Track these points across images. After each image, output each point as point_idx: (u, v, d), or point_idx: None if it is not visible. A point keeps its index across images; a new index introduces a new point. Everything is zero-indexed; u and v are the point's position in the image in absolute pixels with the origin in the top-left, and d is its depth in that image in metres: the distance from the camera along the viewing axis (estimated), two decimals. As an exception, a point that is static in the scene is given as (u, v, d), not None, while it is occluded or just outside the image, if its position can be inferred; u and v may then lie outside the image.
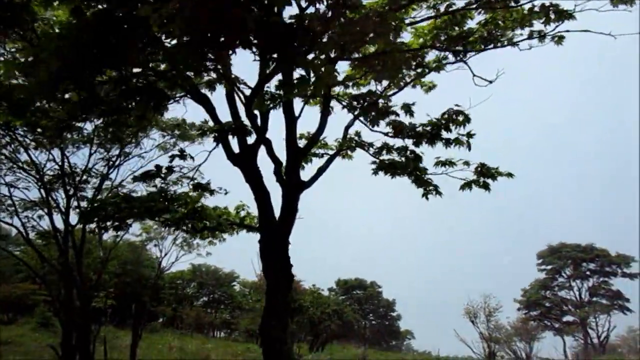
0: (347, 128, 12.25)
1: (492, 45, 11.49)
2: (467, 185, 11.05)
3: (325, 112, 10.98)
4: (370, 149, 11.54)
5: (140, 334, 33.03)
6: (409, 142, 10.99)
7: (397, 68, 9.95)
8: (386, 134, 10.66)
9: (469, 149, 9.84)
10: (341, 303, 74.04)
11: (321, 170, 11.54)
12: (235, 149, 11.07)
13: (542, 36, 9.87)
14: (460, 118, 9.79)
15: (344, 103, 11.24)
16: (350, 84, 11.44)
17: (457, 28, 11.29)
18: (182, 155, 10.60)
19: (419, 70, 10.71)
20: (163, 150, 28.53)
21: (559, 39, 9.99)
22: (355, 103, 10.59)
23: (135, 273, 46.86)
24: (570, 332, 64.00)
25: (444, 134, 10.26)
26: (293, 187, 10.90)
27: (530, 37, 10.85)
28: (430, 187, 10.94)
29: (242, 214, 13.10)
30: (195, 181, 11.70)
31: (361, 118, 11.15)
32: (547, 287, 69.09)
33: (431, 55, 11.33)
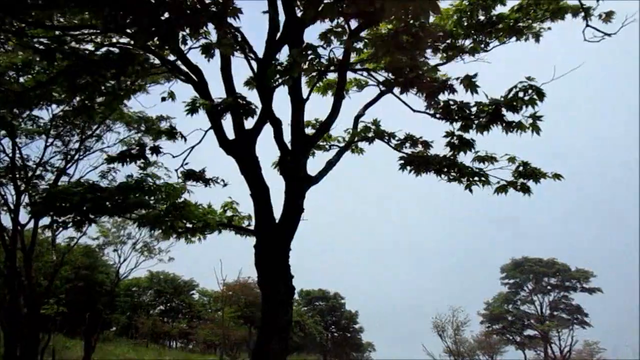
0: (357, 117, 10.63)
1: (514, 38, 10.15)
2: (502, 188, 9.54)
3: (340, 95, 9.31)
4: (392, 140, 9.89)
5: (94, 345, 30.55)
6: (445, 126, 9.44)
7: (422, 47, 8.47)
8: (433, 115, 8.96)
9: (537, 133, 8.10)
10: (303, 314, 72.43)
11: (331, 164, 9.87)
12: (229, 134, 9.32)
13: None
14: (528, 95, 7.94)
15: (377, 78, 9.46)
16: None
17: (483, 13, 9.93)
18: (171, 132, 8.58)
19: (450, 52, 9.19)
20: (127, 146, 26.55)
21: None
22: (391, 76, 8.82)
23: (89, 279, 43.86)
24: (531, 346, 64.57)
25: (507, 116, 8.38)
26: (300, 181, 9.16)
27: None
28: (476, 178, 9.28)
29: (229, 213, 11.21)
30: (186, 167, 9.71)
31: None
32: (510, 300, 69.52)
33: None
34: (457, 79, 8.15)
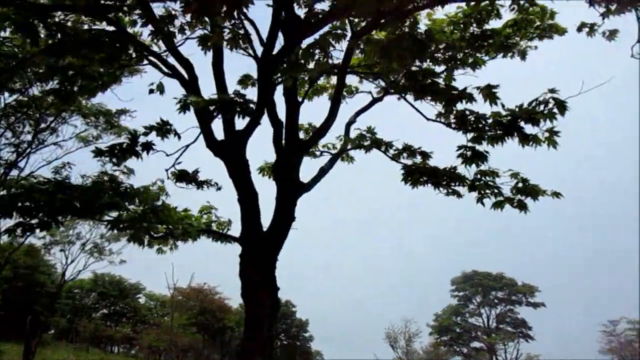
0: (348, 124, 10.21)
1: (502, 54, 10.03)
2: (499, 204, 9.21)
3: (338, 98, 8.84)
4: (390, 150, 9.47)
5: (34, 350, 28.81)
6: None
7: (425, 55, 8.15)
8: (448, 125, 8.55)
9: (554, 147, 7.79)
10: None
11: (324, 171, 9.39)
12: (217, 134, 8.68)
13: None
14: (549, 108, 7.55)
15: (382, 82, 8.98)
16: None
17: (475, 27, 9.74)
18: (163, 127, 7.82)
19: (450, 64, 8.89)
20: (83, 142, 25.19)
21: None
22: (404, 81, 8.36)
23: (29, 279, 41.45)
24: (478, 358, 65.75)
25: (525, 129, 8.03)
26: (292, 188, 8.61)
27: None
28: (488, 191, 8.92)
29: (206, 218, 10.49)
30: (178, 166, 8.87)
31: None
32: (459, 313, 70.68)
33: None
34: (478, 88, 7.79)
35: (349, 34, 8.10)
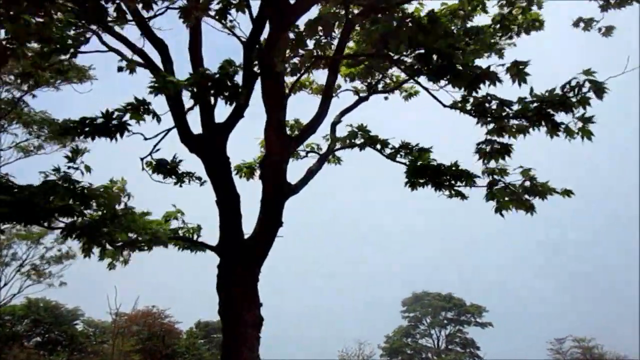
0: (334, 124, 9.41)
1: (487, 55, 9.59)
2: (503, 206, 8.32)
3: (329, 91, 8.00)
4: (386, 149, 8.66)
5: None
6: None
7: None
8: (468, 112, 7.69)
9: (589, 139, 7.01)
10: (200, 347, 68.24)
11: (312, 172, 8.50)
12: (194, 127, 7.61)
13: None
14: (583, 92, 6.67)
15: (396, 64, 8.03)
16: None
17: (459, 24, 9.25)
18: (138, 107, 6.54)
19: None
20: (23, 152, 23.31)
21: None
22: (413, 63, 7.44)
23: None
24: (428, 379, 65.85)
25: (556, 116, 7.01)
26: (280, 190, 7.64)
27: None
28: (507, 197, 8.10)
29: (175, 224, 9.26)
30: (155, 154, 7.62)
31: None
32: (409, 334, 70.83)
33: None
34: (502, 65, 6.98)
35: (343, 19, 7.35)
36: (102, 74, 22.71)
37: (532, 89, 6.96)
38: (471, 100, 7.46)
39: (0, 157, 22.25)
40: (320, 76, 10.21)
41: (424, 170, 8.28)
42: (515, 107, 7.26)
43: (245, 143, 9.80)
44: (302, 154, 9.78)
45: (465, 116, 7.65)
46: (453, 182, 8.33)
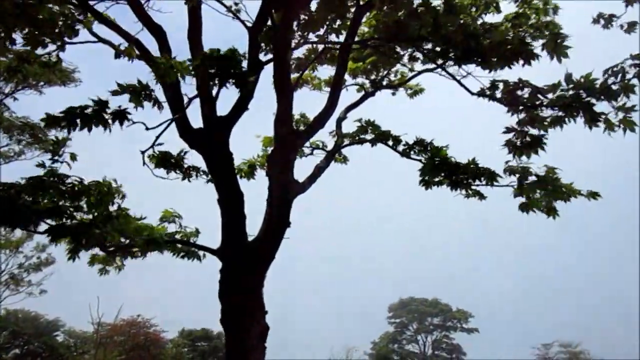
0: (339, 120, 8.92)
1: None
2: (525, 206, 7.89)
3: (338, 82, 7.50)
4: (399, 145, 8.15)
5: None
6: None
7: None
8: (499, 100, 7.13)
9: (632, 130, 6.38)
10: (184, 356, 67.05)
11: (320, 169, 7.96)
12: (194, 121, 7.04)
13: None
14: (627, 79, 6.05)
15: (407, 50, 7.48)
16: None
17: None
18: (138, 92, 5.78)
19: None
20: (3, 159, 22.47)
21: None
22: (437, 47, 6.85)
23: None
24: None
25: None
26: (287, 188, 7.09)
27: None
28: (537, 194, 7.53)
29: (171, 228, 8.61)
30: (158, 145, 6.91)
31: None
32: (396, 340, 70.65)
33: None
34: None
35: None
36: (86, 79, 22.07)
37: (570, 75, 6.44)
38: (501, 86, 6.95)
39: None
40: (323, 72, 9.77)
41: (440, 168, 7.78)
42: (550, 96, 6.72)
43: (243, 139, 9.24)
44: (307, 151, 9.27)
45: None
46: (471, 180, 7.82)
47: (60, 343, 61.95)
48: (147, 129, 6.21)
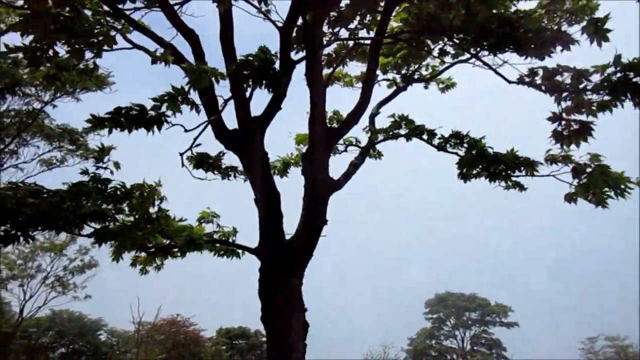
0: (372, 116, 8.89)
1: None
2: (571, 197, 7.48)
3: (370, 77, 7.47)
4: (434, 139, 8.09)
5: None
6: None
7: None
8: (538, 87, 6.97)
9: None
10: (223, 353, 68.08)
11: (355, 166, 7.97)
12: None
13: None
14: None
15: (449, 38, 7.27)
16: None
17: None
18: (174, 97, 5.86)
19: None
20: (46, 165, 23.17)
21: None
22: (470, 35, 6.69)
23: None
24: (454, 381, 64.96)
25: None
26: (323, 185, 7.12)
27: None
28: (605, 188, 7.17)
29: (209, 228, 8.77)
30: (196, 147, 7.04)
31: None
32: (433, 336, 70.03)
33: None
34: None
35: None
36: (120, 83, 22.49)
37: (619, 56, 6.14)
38: (540, 72, 6.76)
39: (23, 170, 22.11)
40: (354, 68, 9.75)
41: (478, 160, 7.65)
42: (595, 79, 6.45)
43: (276, 137, 9.32)
44: (341, 148, 9.29)
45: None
46: (510, 171, 7.65)
47: (103, 342, 63.84)
48: (185, 130, 6.35)
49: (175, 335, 39.39)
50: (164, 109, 5.92)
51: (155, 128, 6.06)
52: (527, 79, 6.90)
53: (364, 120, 8.96)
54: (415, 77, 9.93)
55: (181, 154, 7.13)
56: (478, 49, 7.16)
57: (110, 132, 6.18)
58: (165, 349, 39.28)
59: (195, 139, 6.85)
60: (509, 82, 7.08)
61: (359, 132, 9.25)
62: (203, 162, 7.77)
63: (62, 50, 7.43)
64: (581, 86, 6.54)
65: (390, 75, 10.09)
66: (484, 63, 7.25)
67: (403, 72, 9.92)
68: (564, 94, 6.68)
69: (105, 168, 7.20)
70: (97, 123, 6.13)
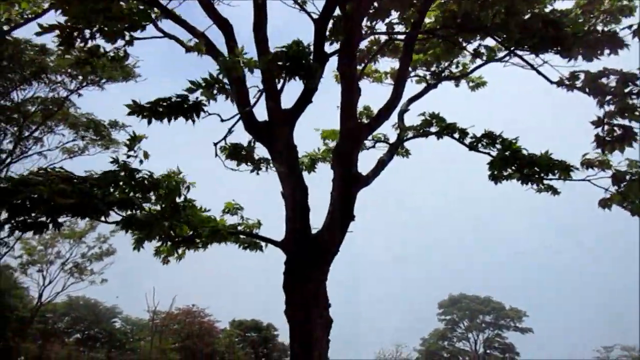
0: (401, 113, 8.78)
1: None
2: (606, 202, 7.32)
3: (403, 72, 7.36)
4: (466, 138, 7.96)
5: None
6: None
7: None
8: (581, 89, 6.84)
9: None
10: (235, 345, 68.44)
11: (383, 163, 7.87)
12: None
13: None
14: None
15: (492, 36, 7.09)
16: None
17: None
18: (210, 84, 5.75)
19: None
20: (69, 154, 23.41)
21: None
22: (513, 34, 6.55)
23: (-1, 304, 38.63)
24: (465, 384, 64.54)
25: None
26: (351, 181, 7.05)
27: None
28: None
29: (233, 219, 8.73)
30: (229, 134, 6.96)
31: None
32: (446, 337, 69.62)
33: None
34: (629, 27, 5.97)
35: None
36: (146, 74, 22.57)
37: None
38: (582, 76, 6.59)
39: (47, 157, 22.38)
40: (383, 64, 9.66)
41: (511, 161, 7.50)
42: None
43: (302, 132, 9.27)
44: (369, 144, 9.19)
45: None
46: (544, 174, 7.47)
47: (118, 329, 64.60)
48: (222, 120, 6.31)
49: (191, 326, 39.64)
50: (198, 94, 5.86)
51: (192, 117, 6.00)
52: (568, 82, 6.71)
53: (393, 117, 8.85)
54: (445, 74, 9.82)
55: (215, 144, 7.09)
56: (520, 48, 6.98)
57: (149, 122, 6.15)
58: (179, 338, 39.56)
59: (229, 129, 6.82)
60: (551, 82, 6.90)
61: (387, 129, 9.16)
62: (237, 152, 7.69)
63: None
64: (627, 90, 6.33)
65: (420, 72, 9.99)
66: (527, 62, 7.07)
67: (433, 69, 9.81)
68: (607, 97, 6.48)
69: (135, 157, 7.21)
70: (137, 110, 6.11)
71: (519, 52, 7.23)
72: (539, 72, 6.88)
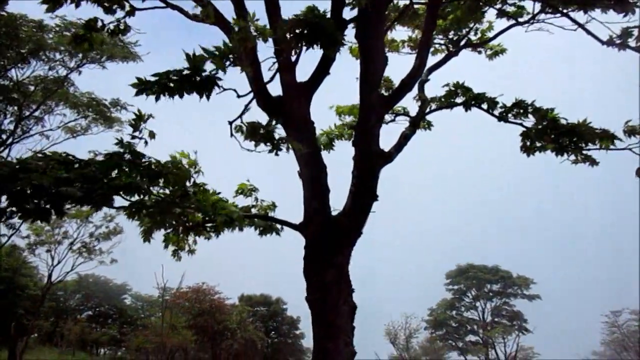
0: (422, 83, 8.20)
1: None
2: None
3: (427, 40, 6.78)
4: (496, 108, 7.42)
5: (20, 357, 26.72)
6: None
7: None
8: (635, 49, 6.26)
9: None
10: (245, 319, 69.09)
11: (406, 138, 7.35)
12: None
13: None
14: None
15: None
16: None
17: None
18: (228, 55, 5.15)
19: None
20: (71, 133, 23.04)
21: None
22: None
23: (10, 282, 38.86)
24: (474, 351, 65.00)
25: None
26: (373, 158, 6.55)
27: None
28: None
29: (246, 202, 8.26)
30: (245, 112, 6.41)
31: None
32: (454, 307, 69.99)
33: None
34: None
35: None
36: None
37: None
38: (635, 32, 6.00)
39: (49, 137, 21.96)
40: (399, 34, 9.04)
41: (549, 131, 6.96)
42: None
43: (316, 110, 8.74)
44: (388, 118, 8.64)
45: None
46: (583, 144, 6.94)
47: (128, 306, 65.40)
48: (238, 96, 5.79)
49: (202, 303, 39.74)
50: (209, 65, 5.30)
51: (207, 93, 5.45)
52: (619, 40, 6.12)
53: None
54: (465, 42, 9.23)
55: (230, 123, 6.56)
56: (566, 5, 6.37)
57: (157, 98, 5.62)
58: (191, 315, 39.73)
59: (246, 106, 6.28)
60: (602, 42, 6.31)
61: (408, 102, 8.61)
62: (255, 132, 7.12)
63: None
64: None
65: (437, 41, 9.39)
66: (574, 21, 6.47)
67: (450, 36, 9.20)
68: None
69: (141, 138, 6.72)
70: (143, 87, 5.57)
71: (562, 9, 6.58)
72: (588, 31, 6.24)
